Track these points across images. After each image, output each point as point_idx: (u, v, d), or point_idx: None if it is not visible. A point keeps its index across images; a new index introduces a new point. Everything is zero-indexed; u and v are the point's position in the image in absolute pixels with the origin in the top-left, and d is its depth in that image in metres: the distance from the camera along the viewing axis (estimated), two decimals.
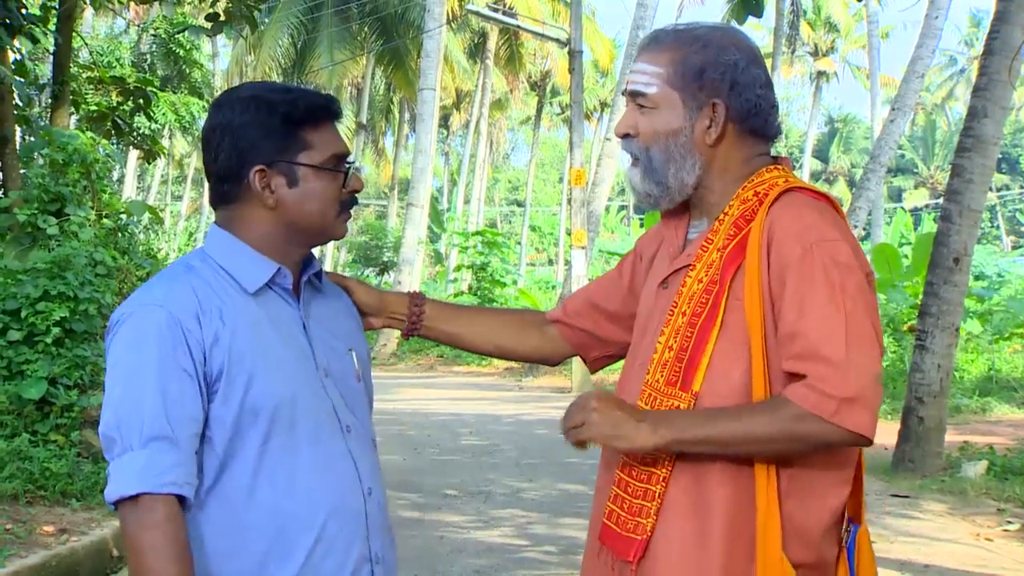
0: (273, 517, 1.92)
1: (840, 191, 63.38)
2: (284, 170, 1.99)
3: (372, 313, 2.33)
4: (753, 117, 2.04)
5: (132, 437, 1.84)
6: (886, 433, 10.93)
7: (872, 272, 1.99)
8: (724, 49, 2.02)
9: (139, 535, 1.80)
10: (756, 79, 2.03)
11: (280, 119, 1.99)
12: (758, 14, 8.32)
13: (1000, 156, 22.28)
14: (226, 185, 2.02)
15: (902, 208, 50.81)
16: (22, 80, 9.68)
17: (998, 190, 57.10)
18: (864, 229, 25.37)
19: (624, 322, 2.27)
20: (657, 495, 1.93)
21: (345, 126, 40.61)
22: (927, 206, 56.50)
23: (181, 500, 1.85)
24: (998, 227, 60.66)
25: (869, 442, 1.87)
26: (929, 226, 29.39)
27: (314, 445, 1.97)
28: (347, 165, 2.07)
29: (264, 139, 1.98)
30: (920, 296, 10.47)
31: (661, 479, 1.94)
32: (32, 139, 10.47)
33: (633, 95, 2.05)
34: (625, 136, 2.08)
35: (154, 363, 1.87)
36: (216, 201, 2.06)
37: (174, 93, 29.05)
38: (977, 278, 29.62)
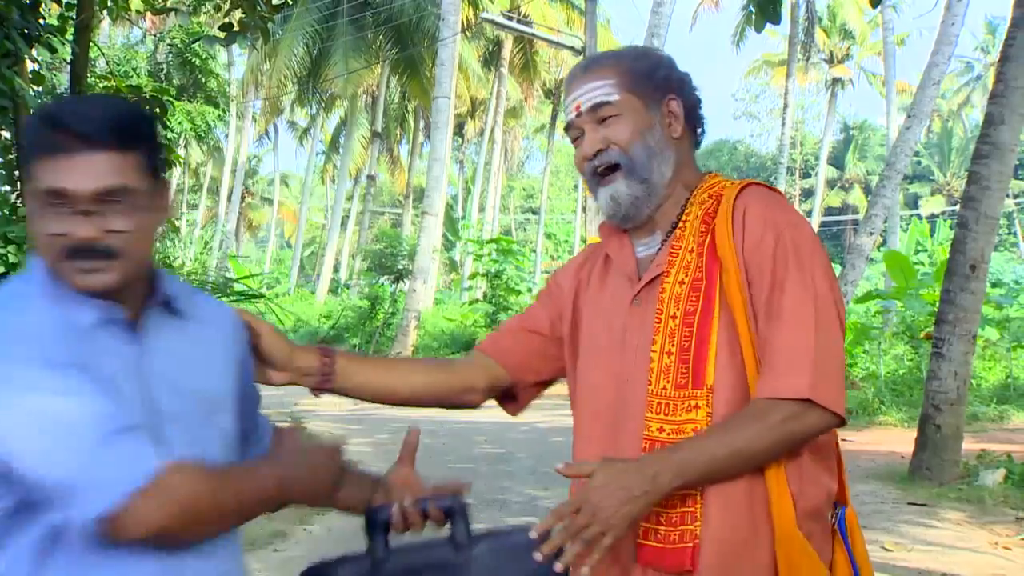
0: None
1: (856, 198, 63.22)
2: (28, 201, 1.70)
3: (277, 367, 2.09)
4: (696, 115, 2.18)
5: None
6: (903, 441, 10.89)
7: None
8: (658, 54, 2.21)
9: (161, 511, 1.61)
10: (690, 78, 2.18)
11: (28, 141, 1.69)
12: (776, 21, 8.31)
13: (1017, 162, 22.17)
14: None
15: (918, 215, 50.66)
16: (40, 90, 9.73)
17: (1015, 196, 56.85)
18: (881, 236, 25.30)
19: (555, 347, 2.29)
20: (699, 498, 1.95)
21: (360, 134, 40.77)
22: (943, 213, 56.29)
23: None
24: (1015, 234, 60.39)
25: (844, 421, 1.96)
26: (946, 233, 29.25)
27: None
28: (76, 206, 1.65)
29: (26, 161, 1.69)
30: (937, 303, 10.43)
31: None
32: None
33: (594, 109, 2.10)
34: (596, 154, 2.11)
35: None
36: None
37: (190, 102, 29.22)
38: (994, 285, 29.46)
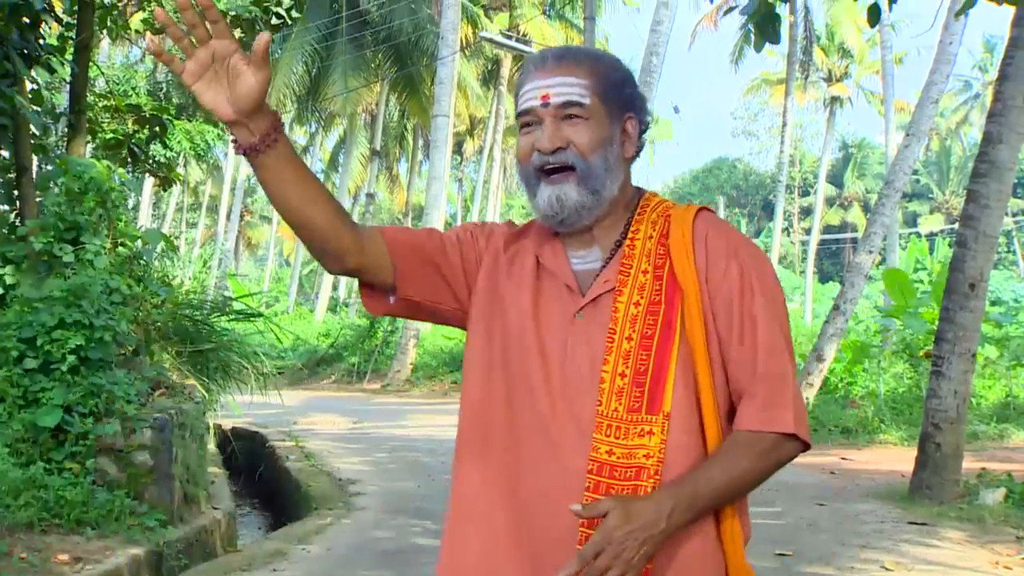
0: None
1: (855, 216, 63.28)
2: None
3: (240, 102, 1.85)
4: (643, 138, 2.14)
5: None
6: (903, 460, 10.87)
7: None
8: (627, 68, 2.14)
9: None
10: (645, 101, 2.15)
11: None
12: (775, 41, 8.32)
13: (1016, 181, 22.19)
14: None
15: (917, 234, 50.69)
16: (39, 109, 9.74)
17: (1014, 215, 56.92)
18: (880, 254, 25.30)
19: (448, 298, 2.17)
20: None
21: (360, 152, 40.82)
22: (942, 231, 56.34)
23: None
24: (1014, 252, 60.43)
25: (809, 447, 2.02)
26: (944, 251, 29.30)
27: None
28: None
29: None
30: (936, 322, 10.42)
31: None
32: (49, 168, 10.52)
33: (564, 106, 2.02)
34: (556, 151, 2.02)
35: None
36: None
37: (189, 121, 29.19)
38: (994, 303, 29.47)
